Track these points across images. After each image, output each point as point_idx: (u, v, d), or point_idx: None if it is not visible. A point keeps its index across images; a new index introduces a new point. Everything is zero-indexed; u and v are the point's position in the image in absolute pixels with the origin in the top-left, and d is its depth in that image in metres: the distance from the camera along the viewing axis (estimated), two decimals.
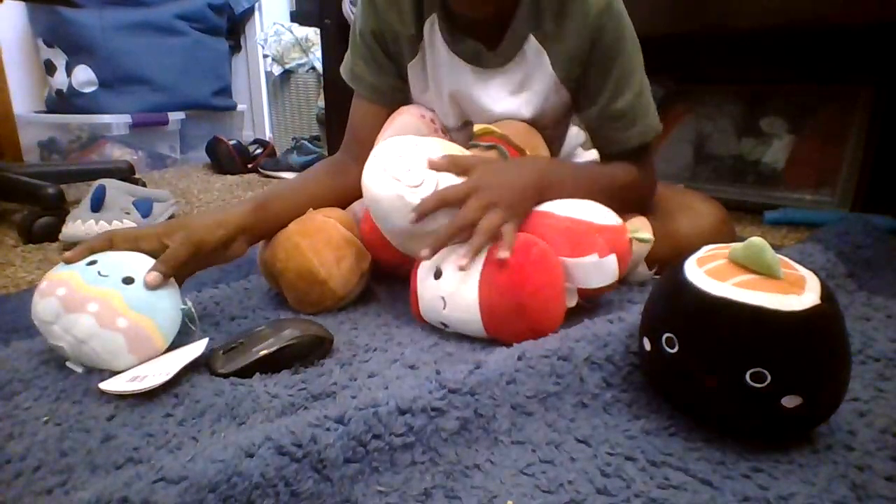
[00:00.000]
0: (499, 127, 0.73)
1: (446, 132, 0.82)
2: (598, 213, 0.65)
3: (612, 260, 0.61)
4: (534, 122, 0.77)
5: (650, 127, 0.75)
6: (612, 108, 0.73)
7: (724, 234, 0.75)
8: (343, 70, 0.83)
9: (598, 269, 0.61)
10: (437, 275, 0.61)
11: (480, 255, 0.59)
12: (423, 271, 0.63)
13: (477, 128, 0.74)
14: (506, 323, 0.58)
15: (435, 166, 0.62)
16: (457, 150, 0.67)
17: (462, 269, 0.58)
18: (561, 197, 0.66)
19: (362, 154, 0.66)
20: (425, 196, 0.60)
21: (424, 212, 0.60)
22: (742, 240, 0.43)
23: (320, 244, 0.67)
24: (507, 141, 0.72)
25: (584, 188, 0.69)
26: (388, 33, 0.78)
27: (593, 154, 0.88)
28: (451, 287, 0.60)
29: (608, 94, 0.72)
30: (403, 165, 0.61)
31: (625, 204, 0.72)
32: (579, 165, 0.80)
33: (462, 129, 0.81)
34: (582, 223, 0.63)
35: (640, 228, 0.71)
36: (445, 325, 0.62)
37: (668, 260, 0.70)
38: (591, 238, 0.61)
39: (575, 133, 0.92)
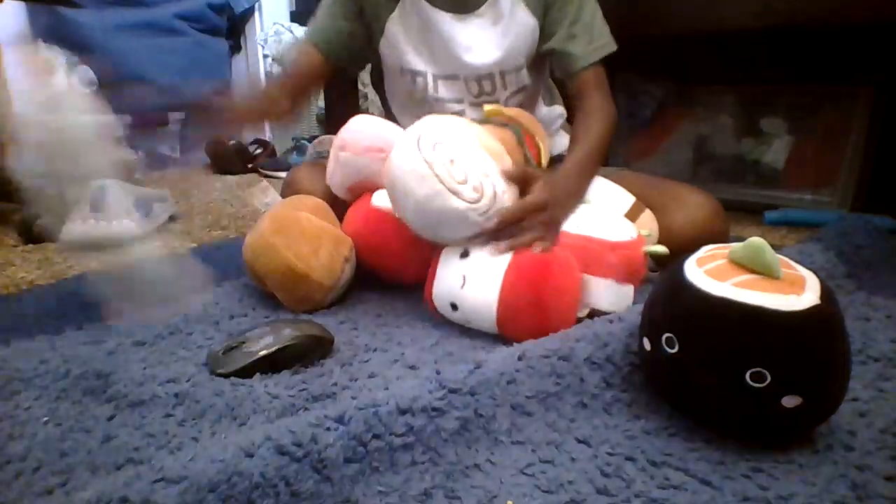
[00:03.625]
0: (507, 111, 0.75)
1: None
2: (612, 230, 0.65)
3: (629, 289, 0.62)
4: (510, 57, 0.85)
5: (609, 43, 0.85)
6: (575, 26, 0.84)
7: (718, 226, 0.77)
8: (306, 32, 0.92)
9: (614, 293, 0.62)
10: (464, 254, 0.62)
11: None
12: (449, 252, 0.64)
13: (487, 108, 0.75)
14: (519, 314, 0.58)
15: (508, 177, 0.63)
16: (491, 142, 0.65)
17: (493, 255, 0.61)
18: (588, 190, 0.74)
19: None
20: (499, 208, 0.61)
21: (506, 223, 0.62)
22: (741, 239, 0.43)
23: (294, 239, 0.67)
24: (512, 119, 0.73)
25: (595, 164, 0.79)
26: None
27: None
28: (477, 266, 0.61)
29: (572, 13, 0.83)
30: (459, 173, 0.59)
31: (609, 142, 0.83)
32: (584, 150, 0.82)
33: (446, 80, 0.88)
34: (595, 241, 0.63)
35: (651, 231, 0.73)
36: (455, 307, 0.62)
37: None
38: (605, 258, 0.62)
39: (559, 113, 0.99)
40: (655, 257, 0.76)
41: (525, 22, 0.84)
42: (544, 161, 0.77)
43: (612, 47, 0.86)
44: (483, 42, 0.85)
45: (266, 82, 0.89)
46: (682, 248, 0.70)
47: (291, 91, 0.88)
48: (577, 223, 0.66)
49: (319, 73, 0.90)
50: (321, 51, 0.88)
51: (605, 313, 0.63)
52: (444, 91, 0.89)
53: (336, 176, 0.80)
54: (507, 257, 0.60)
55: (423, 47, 0.87)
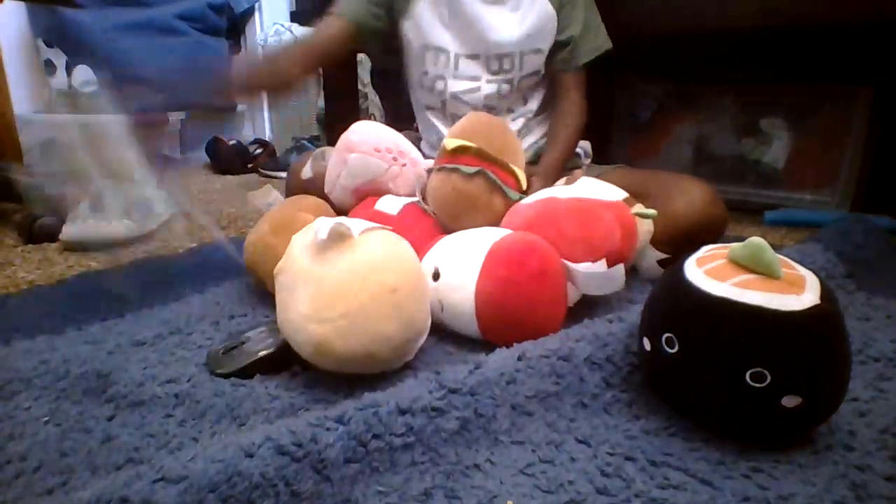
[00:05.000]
0: (465, 130, 0.74)
1: (402, 156, 0.81)
2: (601, 191, 0.68)
3: (619, 270, 0.61)
4: (531, 39, 0.92)
5: (607, 41, 0.97)
6: (590, 20, 0.95)
7: (716, 211, 0.80)
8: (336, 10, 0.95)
9: (605, 279, 0.61)
10: (436, 276, 0.61)
11: (477, 262, 0.59)
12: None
13: (448, 143, 0.73)
14: (503, 331, 0.58)
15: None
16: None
17: None
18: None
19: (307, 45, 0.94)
20: None
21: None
22: (741, 239, 0.43)
23: None
24: (483, 157, 0.72)
25: (568, 159, 0.94)
26: None
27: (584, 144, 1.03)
28: (448, 292, 0.60)
29: (583, 8, 0.94)
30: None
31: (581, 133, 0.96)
32: (561, 148, 0.93)
33: (468, 58, 0.95)
34: (586, 200, 0.66)
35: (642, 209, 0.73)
36: (444, 326, 0.62)
37: (668, 238, 0.75)
38: (600, 213, 0.64)
39: None
40: (657, 255, 0.77)
41: (545, 10, 0.93)
42: (524, 183, 0.76)
43: (609, 44, 0.96)
44: (506, 24, 0.92)
45: (270, 52, 0.93)
46: (685, 232, 0.75)
47: (304, 56, 0.93)
48: (568, 192, 0.69)
49: (343, 38, 0.94)
50: (349, 19, 0.93)
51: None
52: (463, 68, 0.95)
53: (341, 179, 0.79)
54: (473, 283, 0.58)
55: (450, 27, 0.94)
